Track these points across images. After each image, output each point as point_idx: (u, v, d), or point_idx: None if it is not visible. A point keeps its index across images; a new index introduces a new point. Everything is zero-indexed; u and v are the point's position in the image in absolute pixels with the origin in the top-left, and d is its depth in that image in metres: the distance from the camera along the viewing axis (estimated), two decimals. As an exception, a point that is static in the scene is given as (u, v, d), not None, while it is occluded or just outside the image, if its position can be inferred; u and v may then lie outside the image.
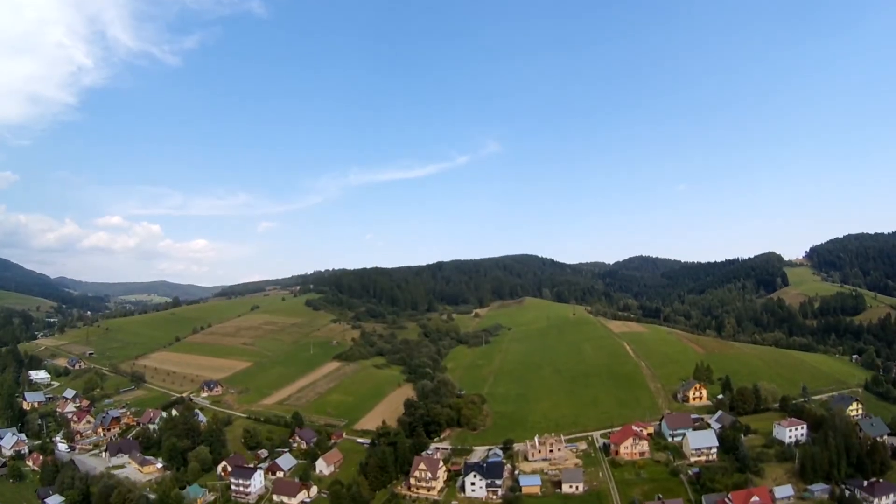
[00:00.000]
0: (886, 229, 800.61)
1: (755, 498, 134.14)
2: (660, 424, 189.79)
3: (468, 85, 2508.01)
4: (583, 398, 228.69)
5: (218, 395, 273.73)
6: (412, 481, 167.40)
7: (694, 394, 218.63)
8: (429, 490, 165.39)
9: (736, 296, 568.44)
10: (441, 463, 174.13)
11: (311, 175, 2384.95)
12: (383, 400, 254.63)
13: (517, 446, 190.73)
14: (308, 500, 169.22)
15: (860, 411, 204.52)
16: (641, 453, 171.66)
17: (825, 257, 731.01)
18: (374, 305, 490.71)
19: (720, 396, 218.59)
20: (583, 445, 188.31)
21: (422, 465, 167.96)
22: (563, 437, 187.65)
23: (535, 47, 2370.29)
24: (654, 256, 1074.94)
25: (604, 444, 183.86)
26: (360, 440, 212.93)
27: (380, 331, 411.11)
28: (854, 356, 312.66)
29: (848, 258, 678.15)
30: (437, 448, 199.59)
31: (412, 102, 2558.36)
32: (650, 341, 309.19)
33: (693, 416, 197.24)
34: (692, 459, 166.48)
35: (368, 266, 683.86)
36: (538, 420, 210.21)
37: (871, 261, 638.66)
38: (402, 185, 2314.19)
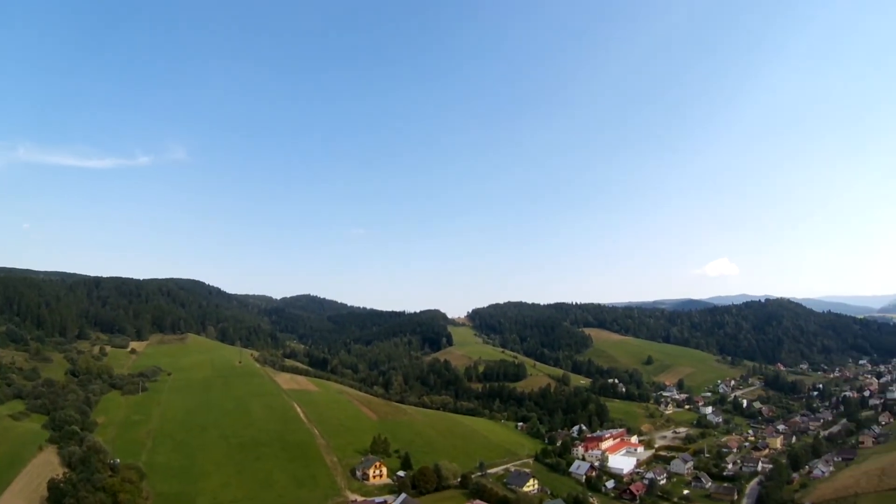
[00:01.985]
0: (542, 301, 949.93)
1: None
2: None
3: (154, 73, 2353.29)
4: (255, 475, 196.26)
5: None
6: None
7: (374, 472, 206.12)
8: None
9: (403, 351, 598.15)
10: None
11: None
12: (22, 472, 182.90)
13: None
14: None
15: (536, 487, 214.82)
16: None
17: (486, 321, 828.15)
18: (15, 326, 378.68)
19: (401, 474, 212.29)
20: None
21: None
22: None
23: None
24: (321, 297, 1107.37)
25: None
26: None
27: (20, 362, 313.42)
28: (519, 423, 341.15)
29: (507, 324, 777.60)
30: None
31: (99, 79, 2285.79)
32: (322, 403, 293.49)
33: (378, 500, 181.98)
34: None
35: (18, 266, 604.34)
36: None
37: (528, 328, 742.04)
38: (77, 173, 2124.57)
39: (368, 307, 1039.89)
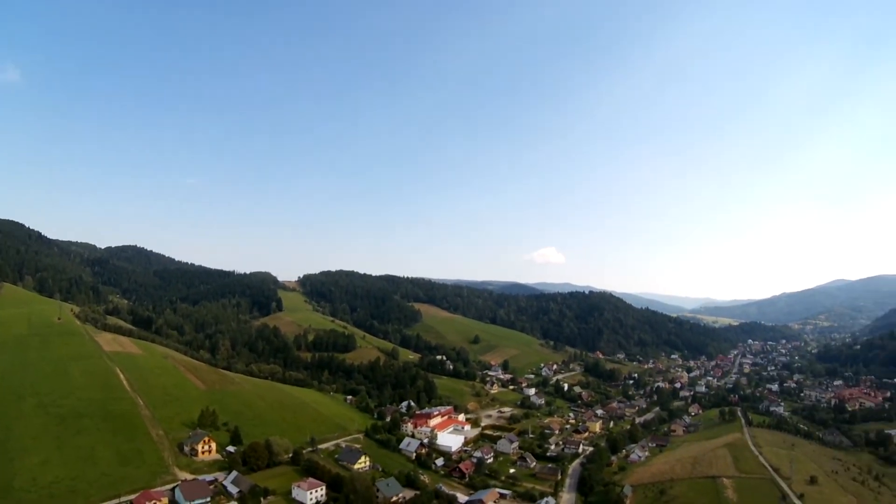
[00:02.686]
0: (373, 272, 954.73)
1: None
2: (173, 493, 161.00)
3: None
4: (78, 451, 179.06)
5: None
6: None
7: (203, 447, 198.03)
8: None
9: (231, 314, 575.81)
10: None
11: None
12: None
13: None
14: None
15: (368, 464, 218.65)
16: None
17: (317, 288, 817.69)
18: None
19: (231, 449, 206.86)
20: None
21: None
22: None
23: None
24: (148, 249, 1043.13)
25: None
26: None
27: None
28: (348, 396, 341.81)
29: (338, 293, 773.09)
30: None
31: None
32: (146, 368, 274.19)
33: (208, 478, 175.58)
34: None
35: None
36: (26, 487, 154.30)
37: (358, 299, 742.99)
38: None
39: (198, 263, 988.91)
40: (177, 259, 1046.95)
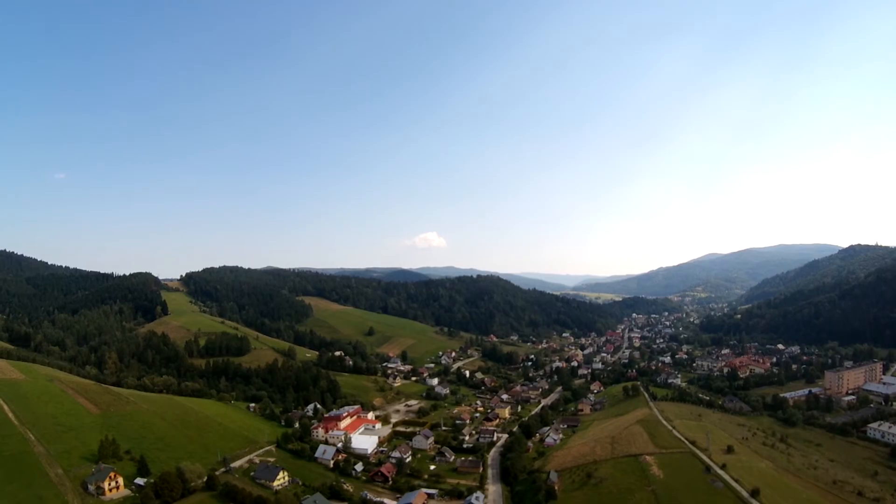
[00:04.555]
0: (256, 265, 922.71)
1: None
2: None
3: None
4: None
5: None
6: None
7: (109, 484, 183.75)
8: None
9: (114, 322, 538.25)
10: None
11: None
12: None
13: None
14: None
15: (287, 479, 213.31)
16: None
17: (202, 286, 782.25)
18: None
19: (140, 482, 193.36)
20: None
21: None
22: None
23: None
24: (18, 253, 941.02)
25: None
26: None
27: None
28: (251, 404, 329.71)
29: (224, 291, 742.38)
30: None
31: None
32: (32, 396, 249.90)
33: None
34: None
35: None
36: None
37: (245, 296, 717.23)
38: None
39: (73, 266, 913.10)
40: (49, 263, 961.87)
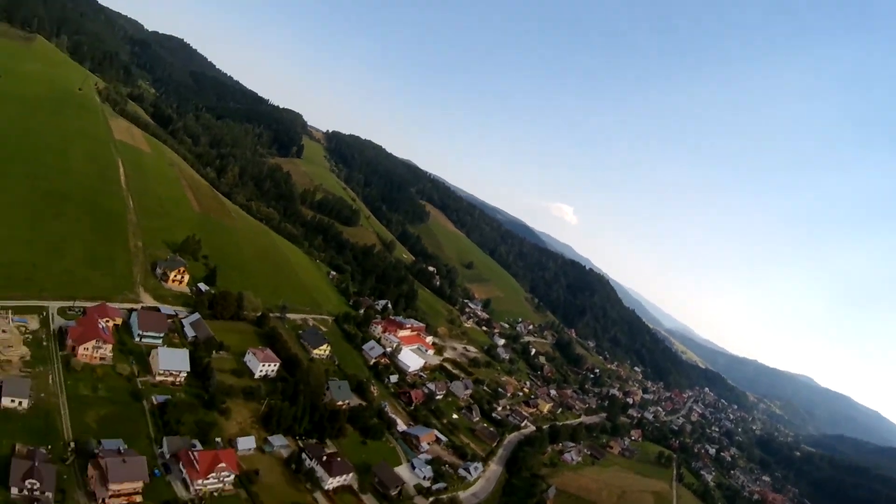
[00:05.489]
0: (399, 153, 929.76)
1: (222, 464, 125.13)
2: (129, 316, 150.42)
3: None
4: (49, 236, 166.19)
5: None
6: None
7: (175, 276, 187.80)
8: None
9: (250, 143, 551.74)
10: None
11: None
12: None
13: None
14: None
15: (327, 353, 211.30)
16: (102, 358, 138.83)
17: (341, 148, 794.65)
18: None
19: (202, 287, 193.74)
20: (34, 323, 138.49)
21: None
22: (10, 314, 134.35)
23: None
24: (193, 47, 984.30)
25: (60, 327, 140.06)
26: None
27: None
28: (331, 272, 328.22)
29: (359, 162, 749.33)
30: None
31: None
32: (149, 170, 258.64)
33: (168, 311, 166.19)
34: (158, 379, 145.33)
35: None
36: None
37: (376, 176, 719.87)
38: None
39: (235, 77, 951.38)
40: (217, 66, 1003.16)
